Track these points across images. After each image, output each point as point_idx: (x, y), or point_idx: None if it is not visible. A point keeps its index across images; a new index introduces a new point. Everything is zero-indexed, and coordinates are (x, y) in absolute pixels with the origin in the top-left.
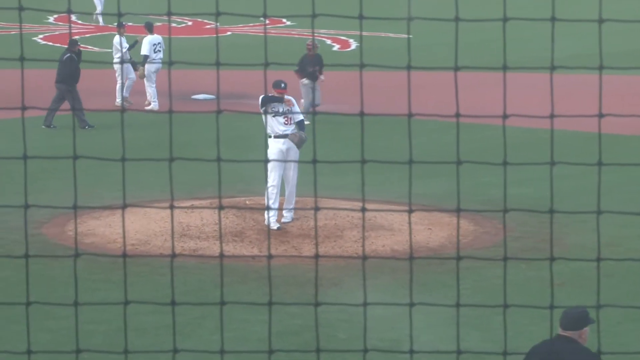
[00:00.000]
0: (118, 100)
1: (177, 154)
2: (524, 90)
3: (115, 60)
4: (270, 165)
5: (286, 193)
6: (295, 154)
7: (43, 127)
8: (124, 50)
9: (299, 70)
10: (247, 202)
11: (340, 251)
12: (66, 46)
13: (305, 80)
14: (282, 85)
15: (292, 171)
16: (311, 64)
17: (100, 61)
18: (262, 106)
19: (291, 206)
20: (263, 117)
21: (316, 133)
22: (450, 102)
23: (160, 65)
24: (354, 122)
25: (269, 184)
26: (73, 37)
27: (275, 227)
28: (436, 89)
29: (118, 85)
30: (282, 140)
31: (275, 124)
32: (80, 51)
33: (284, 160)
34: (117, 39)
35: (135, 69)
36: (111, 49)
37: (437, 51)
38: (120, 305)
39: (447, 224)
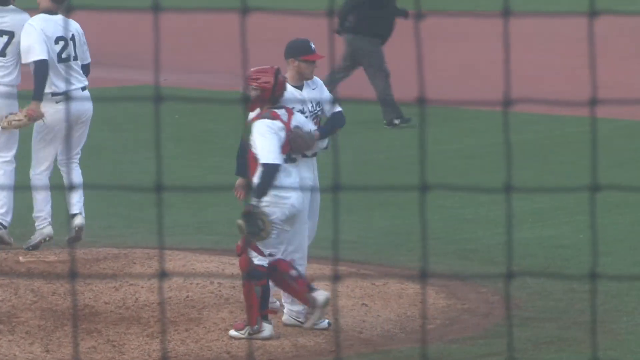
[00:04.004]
0: None
1: None
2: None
3: None
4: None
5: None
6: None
7: (393, 125)
8: None
9: None
10: (20, 258)
11: (197, 348)
12: None
13: None
14: (312, 46)
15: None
16: None
17: None
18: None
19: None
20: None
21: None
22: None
23: None
24: None
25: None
26: None
27: (325, 324)
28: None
29: None
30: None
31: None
32: None
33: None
34: None
35: None
36: None
37: None
38: None
39: (396, 294)
